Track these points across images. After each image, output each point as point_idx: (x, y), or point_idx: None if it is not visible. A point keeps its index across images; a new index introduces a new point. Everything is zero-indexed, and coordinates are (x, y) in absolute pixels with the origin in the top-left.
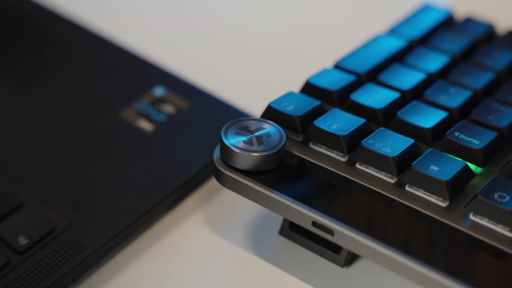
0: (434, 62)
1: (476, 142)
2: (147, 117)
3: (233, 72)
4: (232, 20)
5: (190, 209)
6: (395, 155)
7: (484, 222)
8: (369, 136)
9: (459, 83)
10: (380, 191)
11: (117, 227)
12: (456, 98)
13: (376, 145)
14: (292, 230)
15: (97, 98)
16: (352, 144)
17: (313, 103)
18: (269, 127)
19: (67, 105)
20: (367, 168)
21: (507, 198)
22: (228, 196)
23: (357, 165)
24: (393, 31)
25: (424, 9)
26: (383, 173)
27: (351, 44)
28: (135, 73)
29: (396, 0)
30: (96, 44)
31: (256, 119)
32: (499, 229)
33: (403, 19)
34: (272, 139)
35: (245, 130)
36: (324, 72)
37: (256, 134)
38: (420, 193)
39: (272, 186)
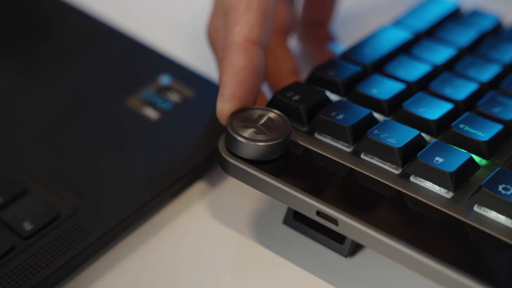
0: (440, 54)
1: (481, 135)
2: (153, 105)
3: None
4: None
5: (195, 197)
6: (400, 146)
7: (488, 214)
8: (374, 127)
9: (465, 75)
10: (385, 182)
11: (121, 214)
12: (461, 90)
13: (381, 136)
14: (296, 220)
15: (103, 85)
16: (357, 134)
17: (319, 93)
18: (274, 117)
19: (73, 93)
20: (372, 158)
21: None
22: (233, 185)
23: (362, 156)
24: (399, 23)
25: (431, 1)
26: (388, 164)
27: (357, 35)
28: (141, 61)
29: None
30: (102, 32)
31: (262, 109)
32: (503, 221)
33: (409, 11)
34: (277, 128)
35: (251, 119)
36: (330, 62)
37: (262, 123)
38: (425, 184)
39: (277, 175)
